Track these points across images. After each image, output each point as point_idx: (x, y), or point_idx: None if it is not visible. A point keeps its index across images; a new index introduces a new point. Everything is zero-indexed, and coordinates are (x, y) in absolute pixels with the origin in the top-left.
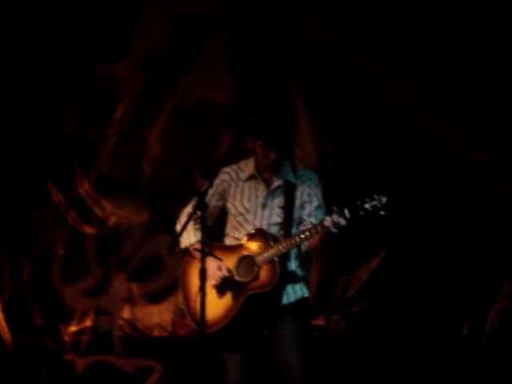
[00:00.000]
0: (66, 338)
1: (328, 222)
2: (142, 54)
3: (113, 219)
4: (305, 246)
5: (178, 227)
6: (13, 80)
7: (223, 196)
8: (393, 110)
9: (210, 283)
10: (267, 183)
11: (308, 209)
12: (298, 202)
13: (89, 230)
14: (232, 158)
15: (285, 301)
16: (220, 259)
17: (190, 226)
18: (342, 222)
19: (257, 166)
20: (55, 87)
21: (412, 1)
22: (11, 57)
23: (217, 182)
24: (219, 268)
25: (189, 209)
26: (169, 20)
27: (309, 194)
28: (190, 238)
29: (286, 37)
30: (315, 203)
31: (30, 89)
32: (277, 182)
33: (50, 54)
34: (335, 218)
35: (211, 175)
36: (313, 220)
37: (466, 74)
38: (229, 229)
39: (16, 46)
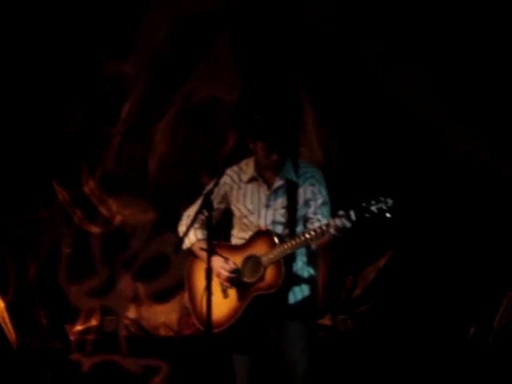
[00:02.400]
0: (72, 338)
1: (333, 225)
2: (148, 52)
3: (118, 218)
4: (315, 244)
5: (180, 229)
6: (18, 78)
7: (225, 199)
8: (399, 108)
9: (216, 281)
10: (268, 184)
11: (313, 206)
12: (301, 201)
13: (94, 229)
14: (238, 156)
15: (291, 300)
16: (225, 258)
17: (191, 228)
18: (348, 225)
19: (257, 166)
20: (61, 85)
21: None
22: (17, 55)
23: (219, 185)
24: (226, 262)
25: (190, 211)
26: (174, 19)
27: (312, 191)
28: (190, 238)
29: (292, 34)
30: (320, 200)
31: (35, 87)
32: (278, 182)
33: (56, 52)
34: (341, 221)
35: (217, 174)
36: (319, 217)
37: (472, 71)
38: (235, 231)
39: (21, 44)
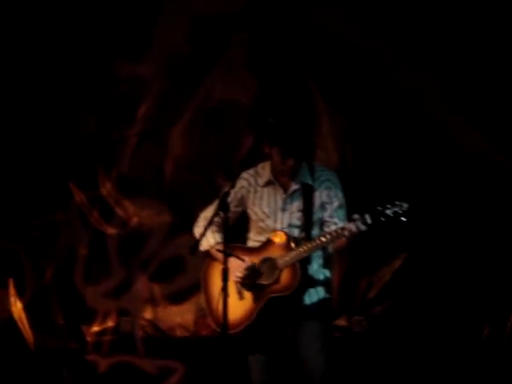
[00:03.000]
0: (88, 339)
1: (349, 228)
2: (164, 54)
3: (134, 220)
4: (332, 247)
5: (196, 231)
6: (35, 81)
7: (242, 203)
8: (414, 111)
9: (233, 283)
10: (285, 187)
11: (329, 210)
12: (317, 204)
13: (111, 230)
14: (253, 158)
15: (307, 301)
16: (242, 259)
17: (208, 230)
18: (363, 228)
19: (273, 170)
20: (77, 88)
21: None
22: (34, 57)
23: (235, 188)
24: (242, 262)
25: (207, 213)
26: (190, 21)
27: (328, 194)
28: (208, 240)
29: (307, 36)
30: (336, 203)
31: (51, 90)
32: (294, 186)
33: (73, 54)
34: (356, 224)
35: (233, 177)
36: (336, 220)
37: (483, 71)
38: (252, 234)
39: (39, 46)
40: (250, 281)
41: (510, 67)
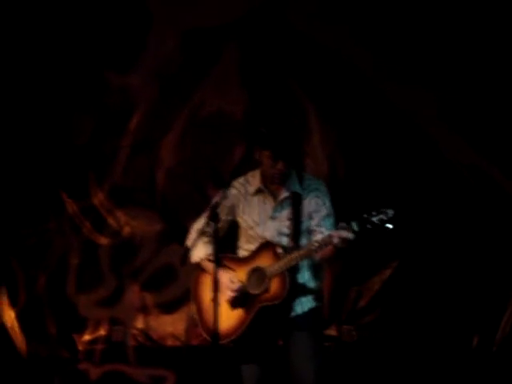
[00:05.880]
0: (80, 347)
1: (336, 236)
2: (156, 65)
3: (126, 230)
4: (318, 256)
5: (188, 243)
6: (27, 91)
7: (232, 211)
8: (403, 120)
9: (223, 297)
10: (274, 196)
11: (316, 219)
12: (305, 213)
13: (103, 240)
14: (245, 169)
15: (299, 310)
16: (232, 269)
17: (199, 241)
18: (350, 236)
19: (263, 178)
20: (70, 98)
21: (422, 11)
22: (26, 67)
23: (226, 197)
24: (232, 282)
25: (198, 225)
26: (181, 33)
27: (317, 203)
28: (199, 252)
29: (298, 48)
30: (323, 212)
31: (44, 99)
32: (283, 194)
33: (65, 64)
34: (343, 232)
35: (224, 186)
36: (323, 230)
37: (475, 84)
38: (241, 242)
39: (30, 56)
40: (239, 298)
41: (500, 79)
